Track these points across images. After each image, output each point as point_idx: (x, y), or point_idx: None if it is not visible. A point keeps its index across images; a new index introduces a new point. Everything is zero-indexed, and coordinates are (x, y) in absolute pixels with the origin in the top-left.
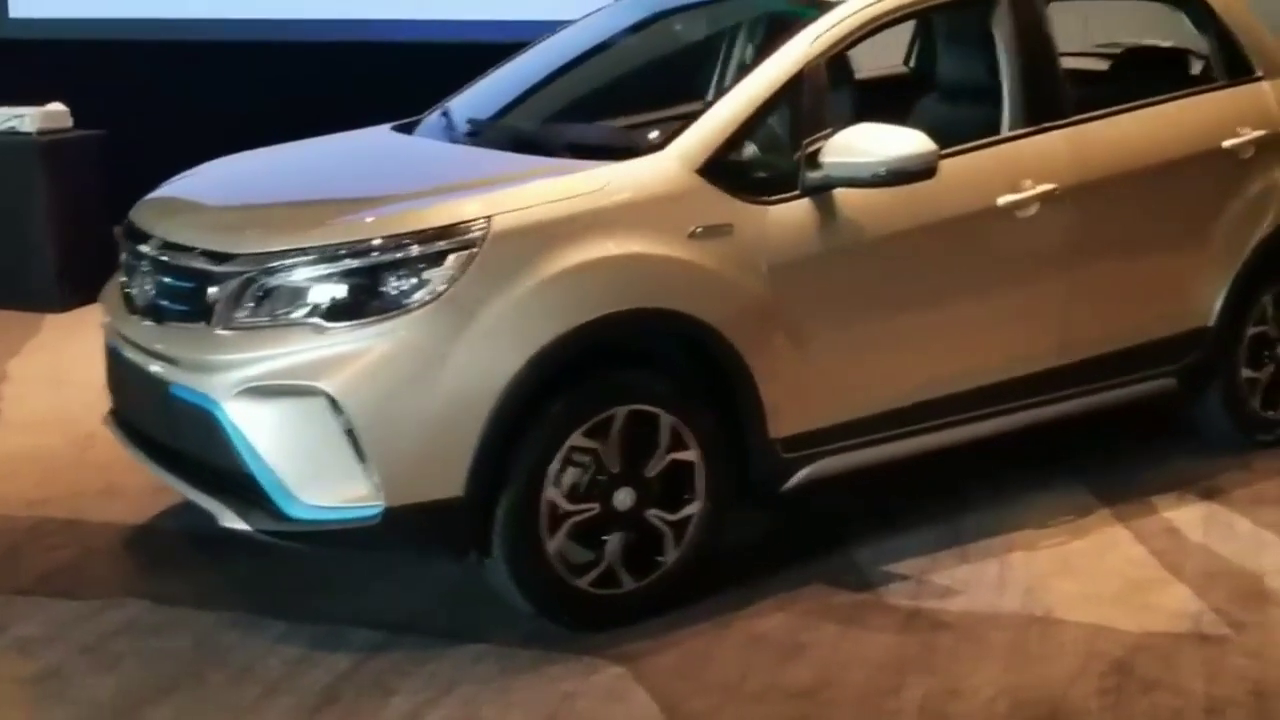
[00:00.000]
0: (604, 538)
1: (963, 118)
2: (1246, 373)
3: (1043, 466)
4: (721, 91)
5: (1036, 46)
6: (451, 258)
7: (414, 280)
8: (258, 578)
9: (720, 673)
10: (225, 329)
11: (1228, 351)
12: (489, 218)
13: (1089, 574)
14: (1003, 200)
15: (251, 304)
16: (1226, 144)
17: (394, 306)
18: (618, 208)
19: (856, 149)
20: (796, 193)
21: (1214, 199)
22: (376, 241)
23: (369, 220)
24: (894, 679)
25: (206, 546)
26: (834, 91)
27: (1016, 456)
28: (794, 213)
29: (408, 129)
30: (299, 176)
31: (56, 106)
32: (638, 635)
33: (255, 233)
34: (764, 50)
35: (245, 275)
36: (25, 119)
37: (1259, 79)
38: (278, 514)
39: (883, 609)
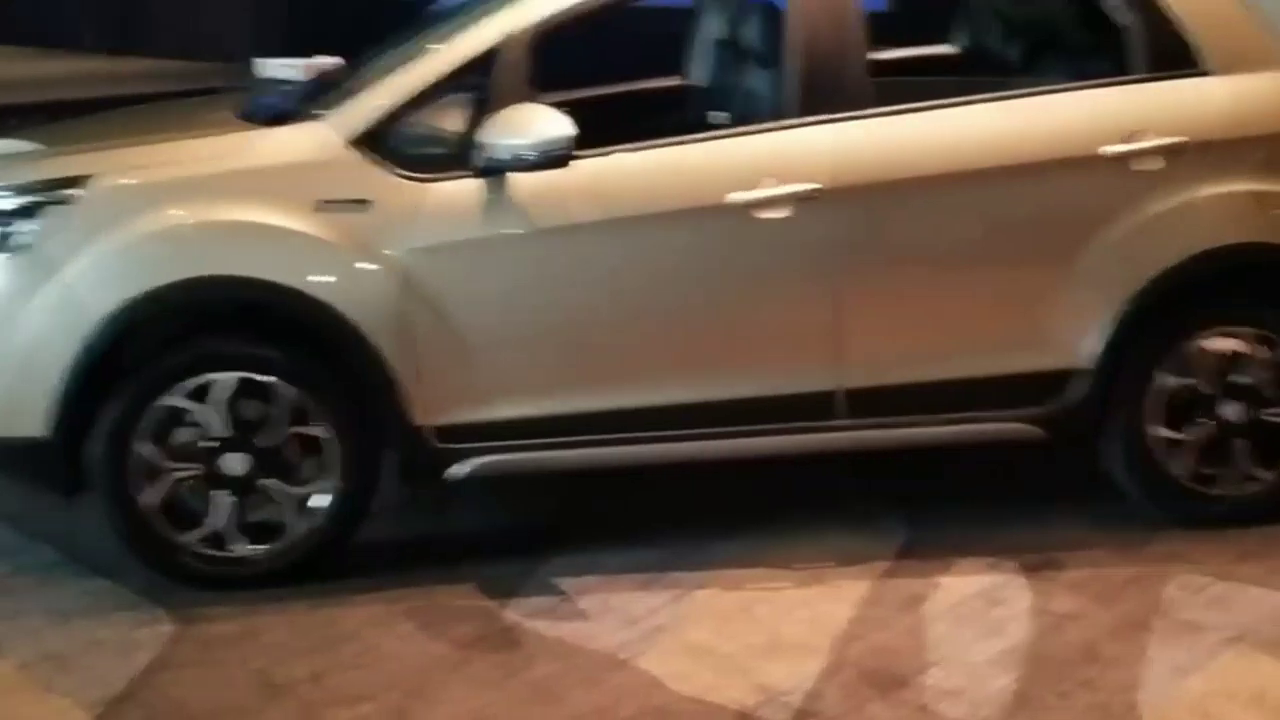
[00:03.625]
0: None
1: (718, 107)
2: (1161, 432)
3: (895, 505)
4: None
5: (818, 30)
6: (44, 211)
7: (6, 229)
8: None
9: (249, 655)
10: None
11: (1119, 403)
12: (89, 176)
13: (744, 627)
14: (733, 198)
15: None
16: (1108, 150)
17: None
18: (242, 174)
19: (504, 130)
20: (468, 172)
21: (1084, 216)
22: None
23: None
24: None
25: None
26: (554, 71)
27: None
28: (461, 192)
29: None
30: (86, 126)
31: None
32: (236, 602)
33: None
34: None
35: None
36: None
37: (1200, 74)
38: None
39: (480, 619)
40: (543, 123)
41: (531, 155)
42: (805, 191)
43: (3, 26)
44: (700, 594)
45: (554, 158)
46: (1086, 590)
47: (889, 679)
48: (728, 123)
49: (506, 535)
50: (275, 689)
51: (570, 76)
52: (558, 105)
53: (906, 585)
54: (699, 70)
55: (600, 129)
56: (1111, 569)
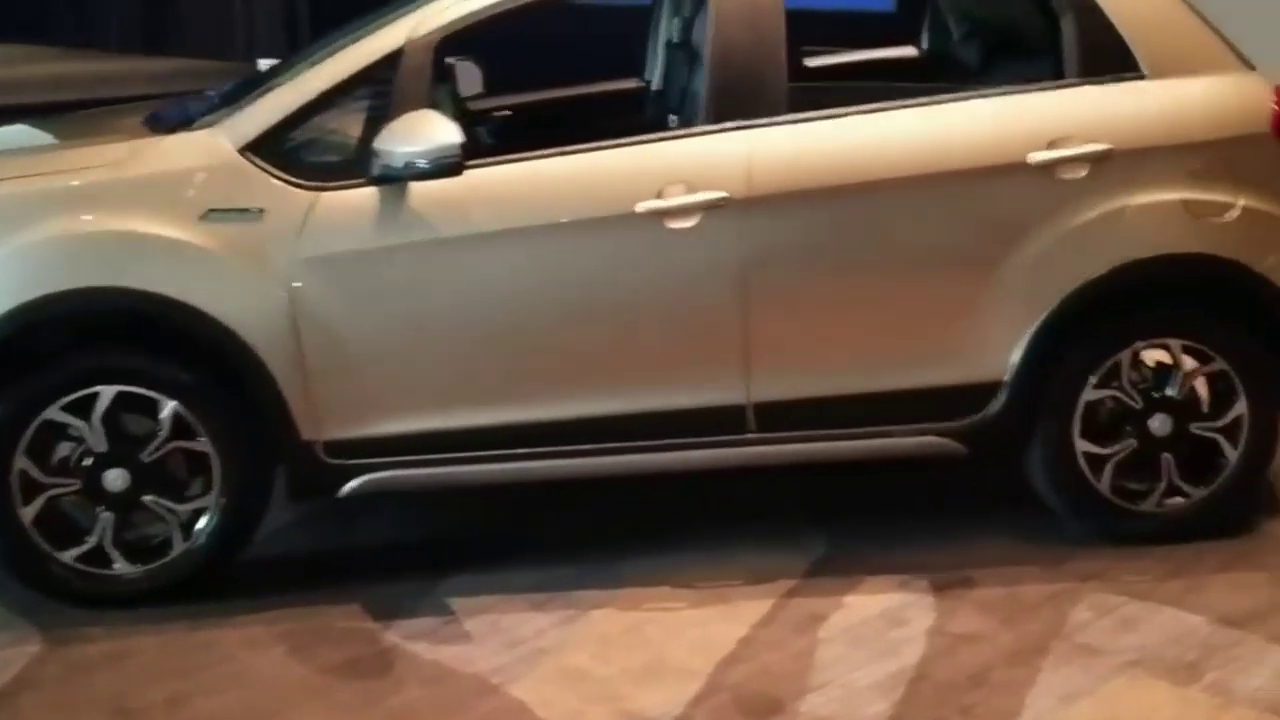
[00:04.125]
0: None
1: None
2: (1086, 447)
3: (817, 519)
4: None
5: (734, 33)
6: None
7: None
8: None
9: (112, 678)
10: None
11: (1043, 416)
12: None
13: (629, 650)
14: (641, 207)
15: None
16: (1033, 158)
17: None
18: (126, 183)
19: (398, 137)
20: (363, 181)
21: (1008, 225)
22: None
23: None
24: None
25: None
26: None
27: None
28: (356, 202)
29: None
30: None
31: None
32: (113, 622)
33: None
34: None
35: None
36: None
37: (1137, 77)
38: None
39: (358, 642)
40: (434, 130)
41: (423, 164)
42: (713, 200)
43: (34, 26)
44: (595, 614)
45: (445, 166)
46: (994, 610)
47: (764, 704)
48: (674, 126)
49: (414, 551)
50: (127, 714)
51: (513, 80)
52: (492, 110)
53: (809, 605)
54: (651, 72)
55: (531, 133)
56: (1025, 587)
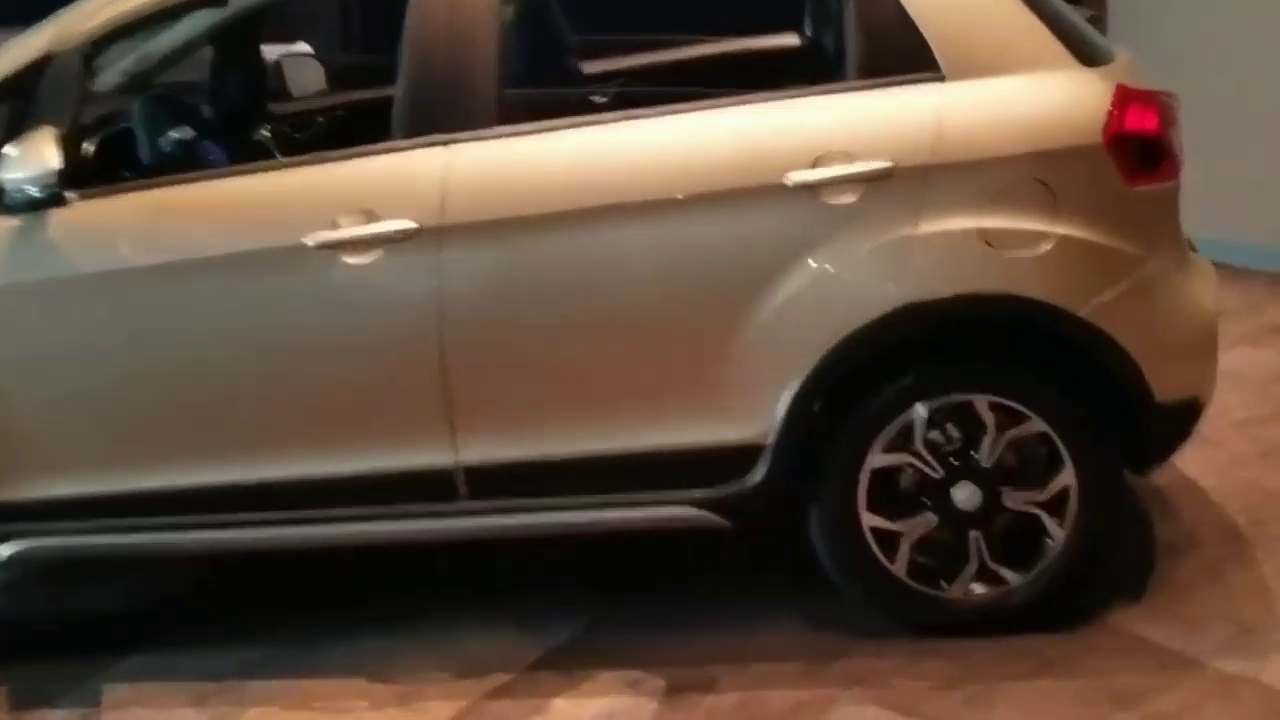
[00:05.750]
0: None
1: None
2: (875, 521)
3: (581, 597)
4: None
5: (434, 38)
6: None
7: None
8: None
9: None
10: None
11: (823, 485)
12: None
13: None
14: (311, 239)
15: None
16: (793, 179)
17: None
18: None
19: (16, 162)
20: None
21: (764, 260)
22: None
23: None
24: None
25: None
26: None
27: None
28: None
29: None
30: None
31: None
32: None
33: None
34: None
35: None
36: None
37: (935, 78)
38: None
39: None
40: (37, 153)
41: (33, 191)
42: (398, 231)
43: None
44: (251, 714)
45: (50, 195)
46: (720, 713)
47: None
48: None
49: (117, 623)
50: None
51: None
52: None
53: (504, 711)
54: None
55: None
56: (772, 693)
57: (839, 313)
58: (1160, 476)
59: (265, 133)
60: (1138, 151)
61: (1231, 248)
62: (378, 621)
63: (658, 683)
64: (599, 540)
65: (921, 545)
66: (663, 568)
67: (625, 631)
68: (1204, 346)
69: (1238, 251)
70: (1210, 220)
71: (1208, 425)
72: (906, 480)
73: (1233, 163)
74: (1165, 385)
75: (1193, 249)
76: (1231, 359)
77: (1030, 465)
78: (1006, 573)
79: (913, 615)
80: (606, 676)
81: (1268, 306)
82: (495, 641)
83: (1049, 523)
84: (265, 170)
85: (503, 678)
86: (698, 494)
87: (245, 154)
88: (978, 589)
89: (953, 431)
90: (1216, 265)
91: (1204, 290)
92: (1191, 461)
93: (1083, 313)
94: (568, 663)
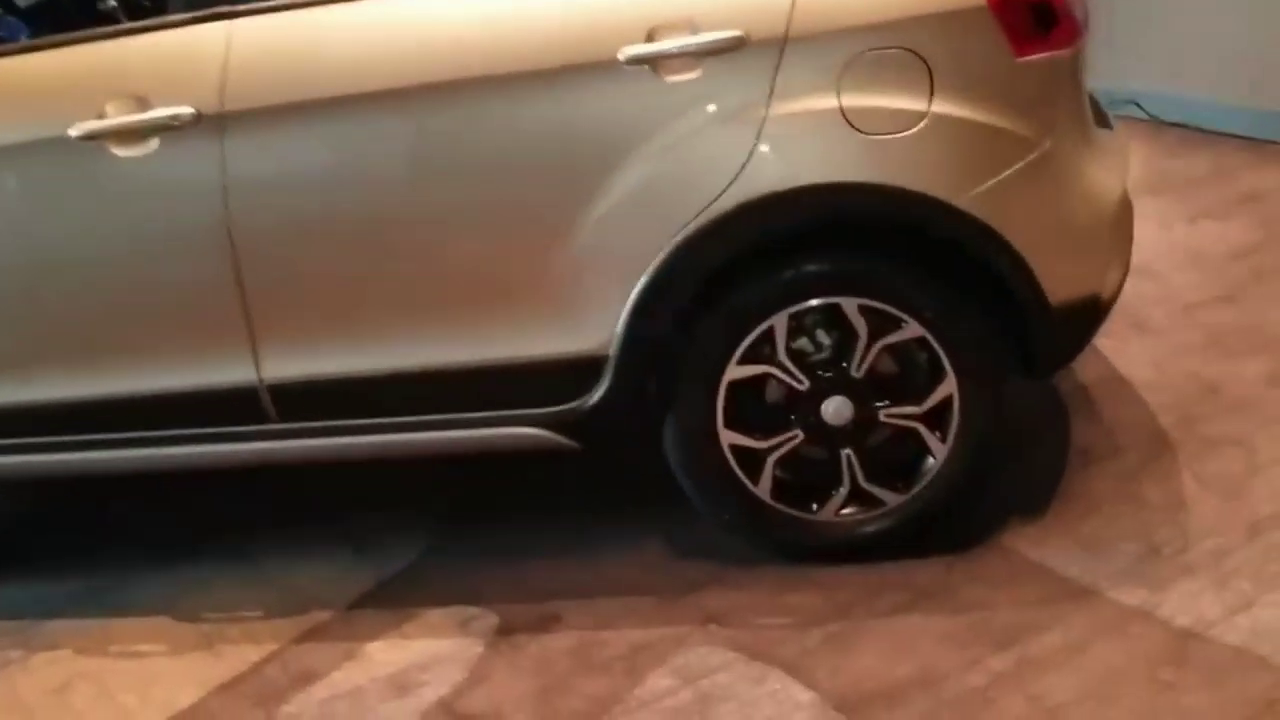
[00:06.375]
0: None
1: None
2: (735, 439)
3: (431, 520)
4: None
5: None
6: None
7: None
8: None
9: None
10: None
11: (676, 401)
12: None
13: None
14: (79, 130)
15: None
16: (629, 54)
17: None
18: None
19: None
20: None
21: (589, 147)
22: None
23: None
24: None
25: None
26: None
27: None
28: None
29: None
30: None
31: None
32: None
33: None
34: None
35: None
36: None
37: None
38: None
39: None
40: None
41: None
42: (173, 119)
43: None
44: (37, 661)
45: None
46: (547, 670)
47: None
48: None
49: None
50: None
51: None
52: None
53: (315, 655)
54: None
55: None
56: (615, 634)
57: (682, 207)
58: (1088, 371)
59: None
60: (1029, 14)
61: (1204, 109)
62: (205, 552)
63: (490, 621)
64: (451, 459)
65: (790, 465)
66: (516, 489)
67: (466, 561)
68: (1107, 238)
69: (1211, 114)
70: (1181, 80)
71: (1154, 310)
72: (771, 394)
73: (1207, 19)
74: (1060, 283)
75: (1105, 124)
76: (1192, 234)
77: (913, 376)
78: (883, 493)
79: (779, 541)
80: (435, 615)
81: (1240, 173)
82: (324, 572)
83: (929, 438)
84: (28, 51)
85: (321, 616)
86: (536, 413)
87: (92, 24)
88: (851, 512)
89: (823, 339)
90: (1186, 128)
91: (1110, 176)
92: (1127, 352)
93: (961, 203)
94: (396, 597)
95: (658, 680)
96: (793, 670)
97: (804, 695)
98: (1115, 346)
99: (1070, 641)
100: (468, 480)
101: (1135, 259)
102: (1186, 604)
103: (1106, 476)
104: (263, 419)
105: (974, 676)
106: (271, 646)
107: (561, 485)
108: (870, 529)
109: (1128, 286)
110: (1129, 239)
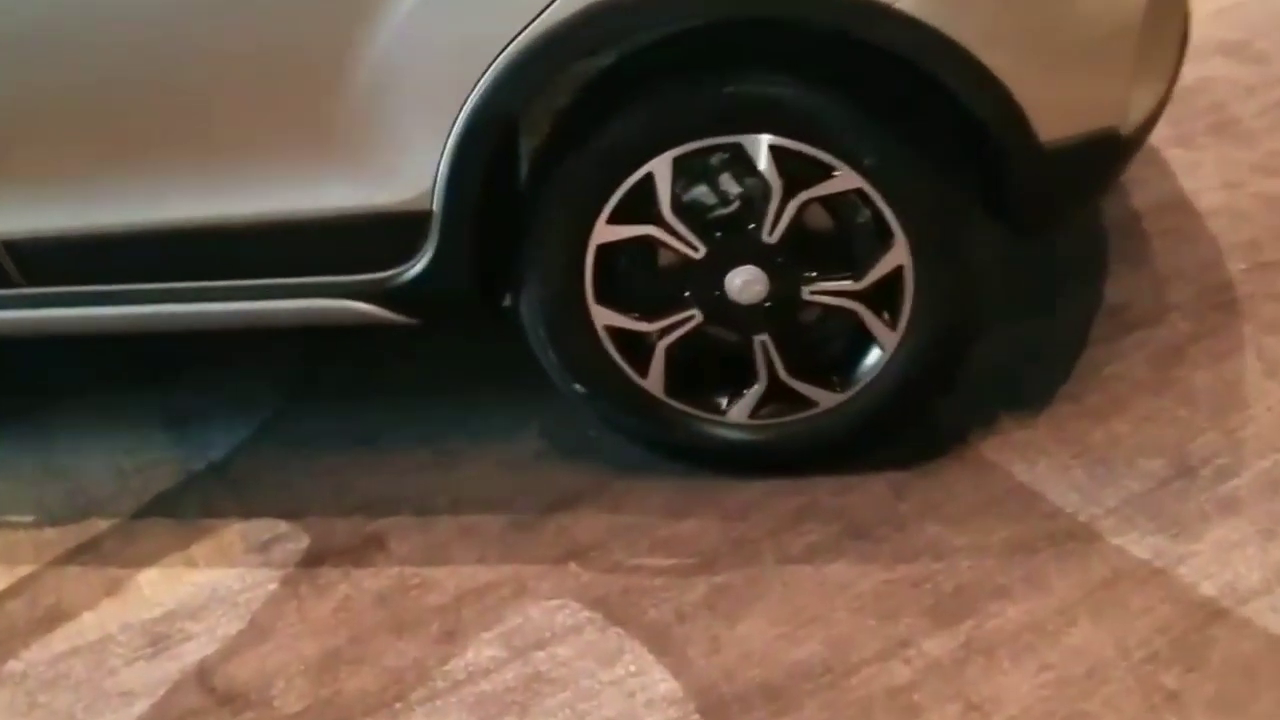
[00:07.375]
0: None
1: None
2: (611, 319)
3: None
4: None
5: None
6: None
7: None
8: None
9: None
10: None
11: (530, 268)
12: None
13: None
14: None
15: None
16: None
17: None
18: None
19: None
20: None
21: None
22: None
23: None
24: None
25: None
26: None
27: None
28: None
29: None
30: None
31: None
32: None
33: None
34: None
35: None
36: None
37: None
38: None
39: None
40: None
41: None
42: None
43: None
44: None
45: None
46: (350, 622)
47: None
48: None
49: None
50: None
51: None
52: None
53: (71, 583)
54: None
55: None
56: (446, 570)
57: (511, 14)
58: (1145, 193)
59: None
60: None
61: None
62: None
63: (298, 544)
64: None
65: (691, 351)
66: (397, 362)
67: (297, 451)
68: (1130, 46)
69: None
70: None
71: (1245, 106)
72: (663, 262)
73: None
74: (1054, 114)
75: None
76: None
77: (852, 240)
78: (813, 391)
79: (675, 447)
80: (235, 530)
81: None
82: (125, 460)
83: (873, 322)
84: None
85: (99, 525)
86: (348, 280)
87: None
88: (771, 413)
89: (730, 190)
90: None
91: None
92: (1202, 166)
93: (902, 3)
94: (196, 504)
95: (479, 650)
96: (657, 645)
97: (662, 686)
98: (1187, 158)
99: (1042, 618)
100: (337, 350)
101: (1234, 32)
102: (1219, 559)
103: (1139, 353)
104: (9, 284)
105: (898, 669)
106: (28, 568)
107: (453, 358)
108: (795, 436)
109: (1217, 69)
110: (1177, 41)
